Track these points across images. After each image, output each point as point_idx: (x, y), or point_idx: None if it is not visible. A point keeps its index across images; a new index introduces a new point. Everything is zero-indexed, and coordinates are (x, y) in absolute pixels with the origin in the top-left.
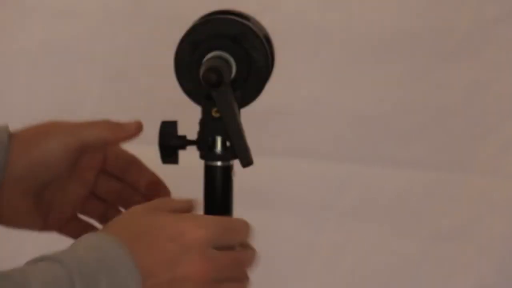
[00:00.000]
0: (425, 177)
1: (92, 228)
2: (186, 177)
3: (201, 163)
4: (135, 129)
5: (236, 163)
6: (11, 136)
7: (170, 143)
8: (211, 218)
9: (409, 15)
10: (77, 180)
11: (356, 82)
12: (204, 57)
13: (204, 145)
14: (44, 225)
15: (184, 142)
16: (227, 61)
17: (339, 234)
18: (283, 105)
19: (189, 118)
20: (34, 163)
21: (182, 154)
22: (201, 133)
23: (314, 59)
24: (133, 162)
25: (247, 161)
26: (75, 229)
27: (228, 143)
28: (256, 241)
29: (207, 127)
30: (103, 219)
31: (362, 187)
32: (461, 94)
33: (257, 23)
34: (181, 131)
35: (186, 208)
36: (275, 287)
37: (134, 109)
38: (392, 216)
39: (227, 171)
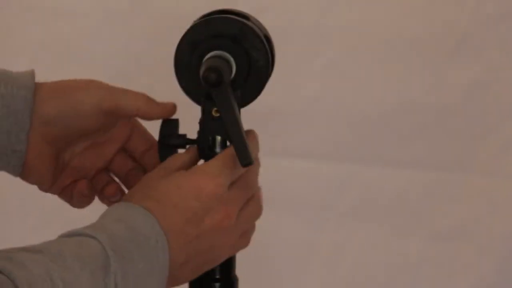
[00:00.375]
0: (425, 177)
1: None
2: None
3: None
4: (170, 109)
5: None
6: (38, 83)
7: (170, 142)
8: (219, 164)
9: (409, 15)
10: (97, 151)
11: (356, 82)
12: (204, 56)
13: (204, 144)
14: (51, 185)
15: (184, 141)
16: (227, 61)
17: (339, 234)
18: (283, 105)
19: (189, 118)
20: (64, 110)
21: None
22: (201, 132)
23: (314, 59)
24: (154, 147)
25: (247, 161)
26: (72, 196)
27: (228, 143)
28: (256, 241)
29: (207, 126)
30: (101, 194)
31: (362, 187)
32: (461, 94)
33: (257, 23)
34: (181, 131)
35: (194, 157)
36: (275, 287)
37: None
38: (392, 216)
39: None
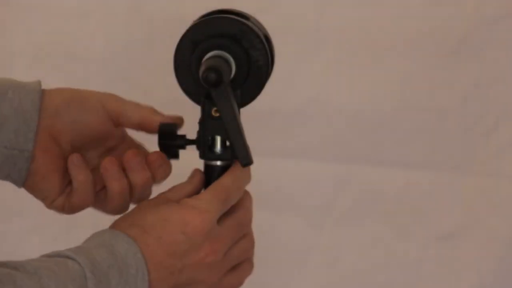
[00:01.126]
0: (425, 177)
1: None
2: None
3: (201, 163)
4: (175, 118)
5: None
6: (45, 90)
7: (170, 143)
8: (209, 198)
9: (409, 15)
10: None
11: (356, 82)
12: (203, 56)
13: (203, 144)
14: (59, 193)
15: (184, 142)
16: (226, 61)
17: (338, 234)
18: (283, 105)
19: (189, 118)
20: (71, 102)
21: (182, 153)
22: (200, 132)
23: (314, 59)
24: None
25: (247, 161)
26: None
27: (227, 143)
28: (256, 241)
29: (207, 126)
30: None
31: (362, 187)
32: (461, 94)
33: (256, 23)
34: (181, 131)
35: (198, 187)
36: (275, 287)
37: None
38: (392, 216)
39: (227, 171)
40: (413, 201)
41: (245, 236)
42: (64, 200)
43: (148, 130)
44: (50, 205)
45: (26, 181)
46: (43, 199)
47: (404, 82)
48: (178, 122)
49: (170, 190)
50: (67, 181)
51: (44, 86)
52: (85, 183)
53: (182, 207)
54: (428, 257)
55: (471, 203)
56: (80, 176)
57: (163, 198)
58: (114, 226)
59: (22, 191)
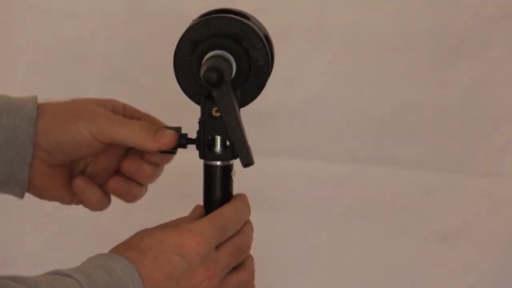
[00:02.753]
0: (425, 177)
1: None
2: (186, 176)
3: (201, 163)
4: (168, 143)
5: (236, 163)
6: (41, 107)
7: (172, 150)
8: (205, 223)
9: (409, 15)
10: (104, 159)
11: (356, 82)
12: (204, 56)
13: (203, 144)
14: (71, 197)
15: (185, 141)
16: (227, 61)
17: (338, 234)
18: (283, 105)
19: (189, 118)
20: (63, 142)
21: (182, 153)
22: (200, 132)
23: (314, 59)
24: None
25: (248, 161)
26: (95, 203)
27: (227, 143)
28: (256, 241)
29: (207, 126)
30: (128, 196)
31: (362, 187)
32: (461, 94)
33: (257, 22)
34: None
35: (191, 220)
36: (275, 287)
37: None
38: (392, 216)
39: (227, 171)
40: (413, 201)
41: (244, 267)
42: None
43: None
44: (68, 203)
45: (35, 194)
46: (59, 202)
47: (404, 82)
48: (169, 143)
49: (169, 221)
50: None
51: (43, 86)
52: (96, 200)
53: (179, 230)
54: (428, 257)
55: (471, 203)
56: (91, 198)
57: (161, 225)
58: (111, 251)
59: None
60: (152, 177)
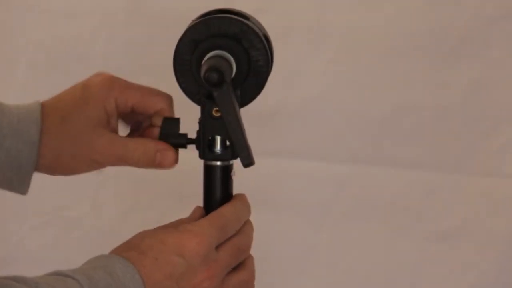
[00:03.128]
0: (425, 177)
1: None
2: (186, 176)
3: (200, 163)
4: (171, 164)
5: (236, 163)
6: (44, 119)
7: (171, 141)
8: (205, 223)
9: (409, 15)
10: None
11: (356, 82)
12: (204, 56)
13: (203, 144)
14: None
15: (185, 141)
16: (227, 61)
17: (338, 234)
18: (283, 105)
19: (189, 118)
20: (62, 158)
21: (182, 153)
22: (200, 132)
23: (314, 59)
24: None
25: (248, 161)
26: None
27: (227, 143)
28: (256, 241)
29: (207, 126)
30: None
31: (362, 187)
32: (461, 94)
33: (256, 23)
34: (180, 131)
35: (192, 219)
36: (275, 287)
37: None
38: (392, 216)
39: (227, 171)
40: (413, 201)
41: (245, 267)
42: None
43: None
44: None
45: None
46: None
47: (404, 82)
48: (171, 165)
49: (169, 223)
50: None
51: (43, 86)
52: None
53: (179, 230)
54: (428, 257)
55: (471, 203)
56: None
57: (161, 226)
58: (111, 252)
59: None
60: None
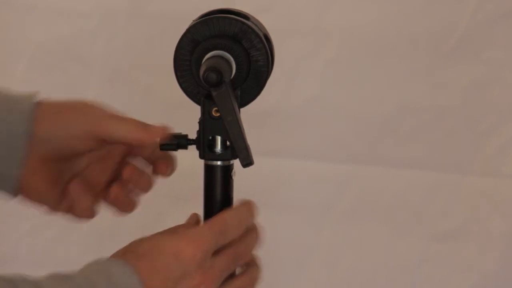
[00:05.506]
0: (425, 177)
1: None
2: (185, 177)
3: (201, 163)
4: (159, 133)
5: (236, 163)
6: (38, 105)
7: (172, 143)
8: (204, 228)
9: (409, 15)
10: (100, 166)
11: (356, 82)
12: (203, 56)
13: (203, 144)
14: (59, 204)
15: (185, 142)
16: (227, 61)
17: (338, 234)
18: (283, 105)
19: (189, 118)
20: (55, 133)
21: (182, 153)
22: (200, 132)
23: (314, 59)
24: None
25: (247, 161)
26: (86, 210)
27: (227, 143)
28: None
29: (207, 126)
30: (127, 205)
31: (362, 187)
32: (461, 94)
33: (257, 23)
34: (180, 131)
35: (189, 225)
36: (275, 287)
37: (133, 109)
38: (392, 216)
39: (227, 171)
40: (413, 201)
41: (244, 274)
42: (67, 209)
43: (138, 146)
44: (52, 212)
45: (21, 194)
46: (44, 206)
47: (404, 82)
48: (160, 133)
49: (168, 228)
50: (62, 188)
51: (43, 86)
52: (87, 208)
53: (176, 235)
54: (428, 257)
55: (471, 203)
56: (83, 204)
57: (160, 231)
58: (111, 255)
59: None
60: (151, 185)
